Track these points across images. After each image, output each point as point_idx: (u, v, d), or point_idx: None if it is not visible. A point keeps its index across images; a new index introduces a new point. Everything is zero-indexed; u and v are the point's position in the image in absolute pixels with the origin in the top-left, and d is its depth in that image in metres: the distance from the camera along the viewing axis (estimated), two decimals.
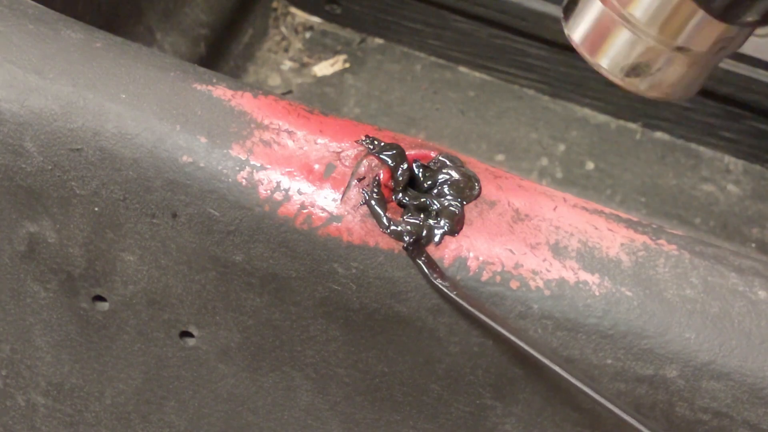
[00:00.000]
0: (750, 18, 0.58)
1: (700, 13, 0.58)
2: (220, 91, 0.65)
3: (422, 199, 0.63)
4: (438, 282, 0.60)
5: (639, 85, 0.64)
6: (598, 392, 0.56)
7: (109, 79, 0.65)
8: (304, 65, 1.41)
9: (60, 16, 0.69)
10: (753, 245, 1.29)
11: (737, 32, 0.60)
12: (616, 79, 0.64)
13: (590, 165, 1.35)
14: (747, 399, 0.59)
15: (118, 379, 0.75)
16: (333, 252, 0.62)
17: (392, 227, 0.61)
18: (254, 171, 0.62)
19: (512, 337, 0.58)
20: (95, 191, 0.65)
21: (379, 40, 1.44)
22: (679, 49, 0.60)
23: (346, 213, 0.61)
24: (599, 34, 0.63)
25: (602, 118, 1.38)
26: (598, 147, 1.36)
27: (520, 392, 0.64)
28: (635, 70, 0.63)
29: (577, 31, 0.64)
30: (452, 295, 0.60)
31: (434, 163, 0.65)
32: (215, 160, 0.62)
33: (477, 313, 0.59)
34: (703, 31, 0.59)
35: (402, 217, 0.62)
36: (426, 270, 0.61)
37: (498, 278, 0.61)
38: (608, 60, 0.63)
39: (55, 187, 0.65)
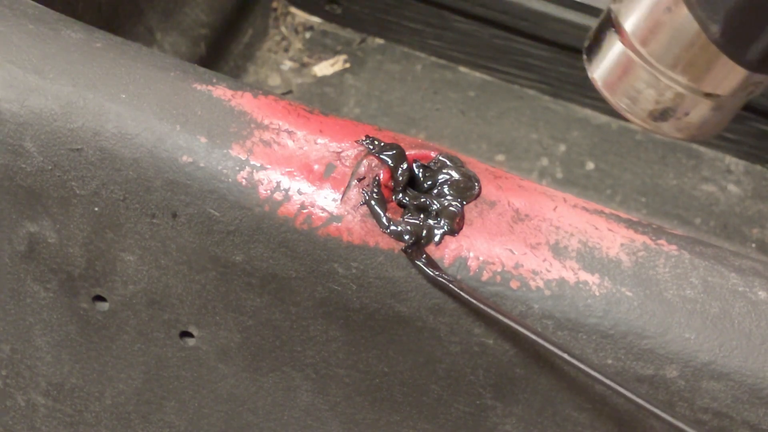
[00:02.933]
0: None
1: (725, 59, 0.57)
2: (220, 91, 0.65)
3: (422, 199, 0.63)
4: (439, 276, 0.60)
5: (663, 128, 0.62)
6: (607, 377, 0.56)
7: (109, 79, 0.65)
8: (304, 65, 1.41)
9: (60, 16, 0.69)
10: (753, 245, 1.29)
11: (765, 77, 0.59)
12: (640, 121, 0.63)
13: (590, 165, 1.35)
14: (747, 399, 0.59)
15: (118, 379, 0.75)
16: (333, 252, 0.62)
17: (392, 227, 0.61)
18: (254, 171, 0.62)
19: (518, 327, 0.58)
20: (95, 191, 0.65)
21: (379, 40, 1.44)
22: (706, 94, 0.60)
23: (346, 213, 0.61)
24: (621, 76, 0.62)
25: (603, 118, 1.38)
26: (598, 147, 1.36)
27: (521, 392, 0.64)
28: (660, 114, 0.62)
29: (599, 72, 0.63)
30: (455, 288, 0.60)
31: (434, 163, 0.65)
32: (215, 160, 0.62)
33: (480, 305, 0.59)
34: (730, 77, 0.58)
35: (402, 217, 0.62)
36: (425, 269, 0.61)
37: (498, 278, 0.61)
38: (631, 102, 0.62)
39: (55, 187, 0.65)
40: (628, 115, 0.63)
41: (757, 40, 0.55)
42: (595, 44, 0.63)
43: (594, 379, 0.57)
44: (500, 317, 0.59)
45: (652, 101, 0.61)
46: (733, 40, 0.56)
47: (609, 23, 0.61)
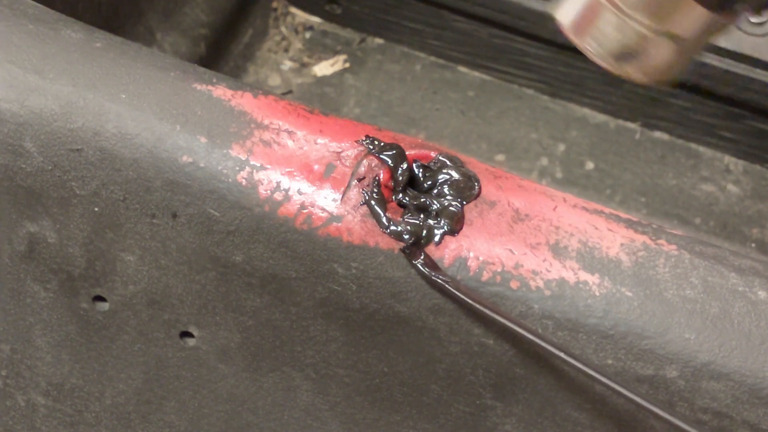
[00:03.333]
0: (740, 7, 0.58)
1: (688, 1, 0.58)
2: (220, 91, 0.65)
3: (422, 199, 0.63)
4: (437, 277, 0.60)
5: (627, 70, 0.64)
6: (607, 377, 0.56)
7: (109, 79, 0.65)
8: (304, 65, 1.41)
9: (60, 16, 0.69)
10: (753, 245, 1.29)
11: (727, 19, 0.60)
12: (604, 62, 0.64)
13: (590, 165, 1.35)
14: (747, 399, 0.59)
15: (118, 379, 0.75)
16: (333, 252, 0.62)
17: (392, 227, 0.61)
18: (254, 171, 0.62)
19: (517, 328, 0.58)
20: (95, 191, 0.65)
21: (379, 40, 1.44)
22: (668, 35, 0.61)
23: (346, 213, 0.61)
24: (587, 18, 0.63)
25: (602, 117, 1.38)
26: (597, 147, 1.36)
27: (521, 392, 0.64)
28: (624, 55, 0.63)
29: (566, 15, 0.65)
30: (451, 288, 0.60)
31: (434, 163, 0.65)
32: (215, 160, 0.62)
33: (478, 305, 0.59)
34: (693, 18, 0.60)
35: (402, 217, 0.62)
36: (423, 269, 0.61)
37: (498, 278, 0.61)
38: (596, 44, 0.63)
39: (55, 187, 0.65)
40: (594, 57, 0.64)
41: None
42: None
43: (593, 379, 0.57)
44: (498, 318, 0.59)
45: (617, 43, 0.62)
46: None
47: None
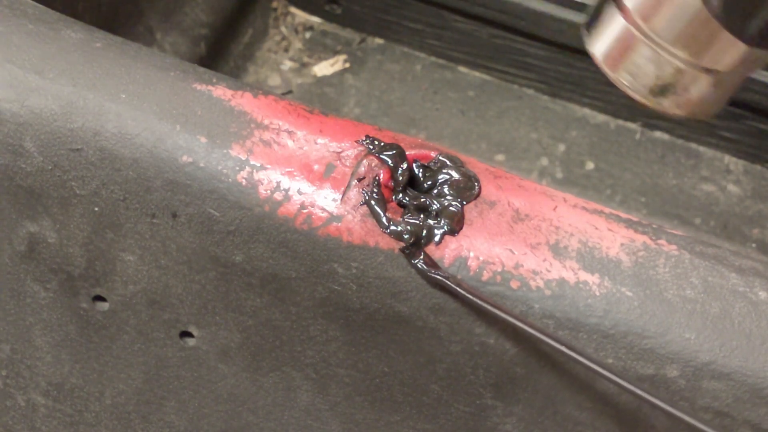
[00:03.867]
0: None
1: (726, 35, 0.57)
2: (220, 91, 0.65)
3: (422, 199, 0.63)
4: (438, 274, 0.60)
5: (664, 104, 0.63)
6: (612, 371, 0.56)
7: (109, 79, 0.65)
8: (304, 65, 1.41)
9: (60, 16, 0.69)
10: (753, 245, 1.29)
11: (765, 53, 0.59)
12: (640, 97, 0.62)
13: (590, 165, 1.35)
14: (748, 399, 0.59)
15: (118, 379, 0.75)
16: (333, 252, 0.62)
17: (392, 227, 0.61)
18: (254, 171, 0.62)
19: (518, 323, 0.58)
20: (95, 191, 0.65)
21: (379, 40, 1.44)
22: (706, 69, 0.60)
23: (346, 213, 0.61)
24: (622, 51, 0.62)
25: (602, 117, 1.38)
26: (598, 147, 1.36)
27: (522, 392, 0.64)
28: (660, 90, 0.62)
29: (599, 48, 0.63)
30: (452, 284, 0.60)
31: (434, 163, 0.65)
32: (215, 160, 0.62)
33: (480, 302, 0.59)
34: (731, 52, 0.59)
35: (402, 217, 0.62)
36: (424, 268, 0.61)
37: (498, 278, 0.61)
38: (632, 78, 0.62)
39: (55, 187, 0.65)
40: (629, 91, 0.63)
41: (757, 14, 0.56)
42: (595, 19, 0.63)
43: (598, 374, 0.57)
44: (500, 314, 0.59)
45: (653, 77, 0.61)
46: (734, 15, 0.56)
47: None
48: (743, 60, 0.59)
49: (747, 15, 0.56)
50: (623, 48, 0.61)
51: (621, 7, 0.60)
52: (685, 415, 0.55)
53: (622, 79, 0.62)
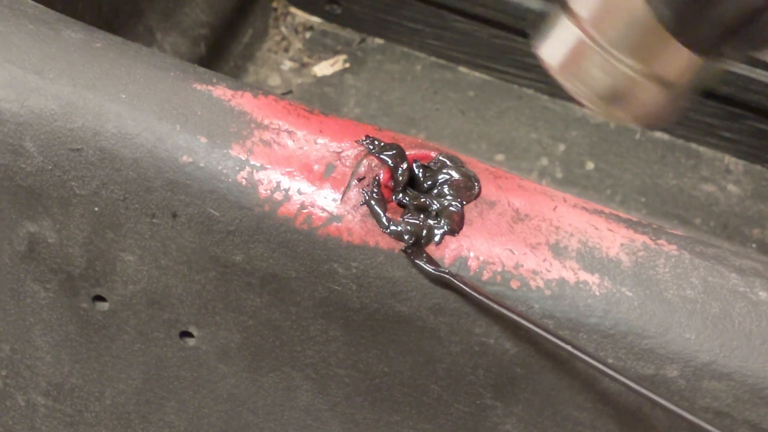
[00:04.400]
0: (728, 50, 0.57)
1: (675, 44, 0.57)
2: (220, 91, 0.65)
3: (422, 199, 0.63)
4: (442, 272, 0.60)
5: (615, 112, 0.62)
6: (615, 370, 0.56)
7: (109, 79, 0.65)
8: (304, 65, 1.41)
9: (60, 16, 0.69)
10: (753, 245, 1.29)
11: (714, 62, 0.59)
12: (591, 104, 0.62)
13: (590, 165, 1.35)
14: (748, 399, 0.59)
15: (118, 379, 0.75)
16: (333, 252, 0.62)
17: (392, 227, 0.61)
18: (254, 171, 0.62)
19: (522, 320, 0.58)
20: (95, 191, 0.65)
21: (379, 40, 1.44)
22: (657, 78, 0.60)
23: (346, 213, 0.61)
24: (574, 60, 0.61)
25: (601, 117, 1.38)
26: (598, 147, 1.36)
27: (521, 392, 0.64)
28: (612, 98, 0.61)
29: (551, 55, 0.62)
30: (457, 282, 0.60)
31: (434, 163, 0.65)
32: (215, 160, 0.62)
33: (484, 298, 0.59)
34: (680, 61, 0.58)
35: (402, 217, 0.62)
36: (426, 267, 0.60)
37: (498, 278, 0.61)
38: (584, 86, 0.62)
39: (55, 187, 0.65)
40: (582, 99, 0.63)
41: (705, 24, 0.56)
42: (547, 26, 0.63)
43: (600, 372, 0.57)
44: (504, 311, 0.59)
45: (604, 85, 0.61)
46: (683, 25, 0.56)
47: (560, 5, 0.61)
48: (693, 69, 0.59)
49: (695, 24, 0.56)
50: (575, 55, 0.61)
51: (573, 15, 0.60)
52: (691, 415, 0.55)
53: (573, 86, 0.62)
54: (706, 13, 0.55)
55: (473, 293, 0.59)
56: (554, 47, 0.62)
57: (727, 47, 0.57)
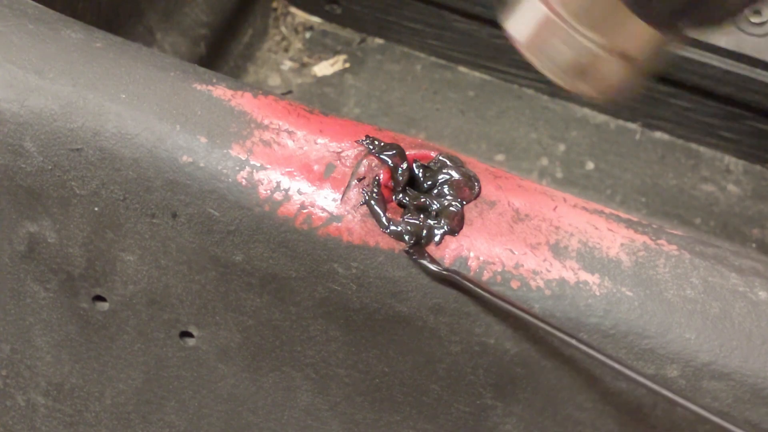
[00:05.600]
0: (684, 24, 0.58)
1: (634, 18, 0.58)
2: (220, 91, 0.65)
3: (422, 199, 0.63)
4: (447, 270, 0.60)
5: (580, 86, 0.64)
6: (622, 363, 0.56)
7: (109, 79, 0.65)
8: (304, 65, 1.41)
9: (60, 16, 0.69)
10: (753, 245, 1.29)
11: (672, 36, 0.60)
12: (557, 78, 0.64)
13: (590, 165, 1.35)
14: (748, 399, 0.59)
15: (118, 379, 0.75)
16: (333, 252, 0.62)
17: (392, 227, 0.61)
18: (254, 171, 0.62)
19: (526, 315, 0.58)
20: (95, 191, 0.65)
21: (379, 40, 1.44)
22: (619, 53, 0.61)
23: (346, 213, 0.61)
24: (540, 34, 0.63)
25: (602, 117, 1.38)
26: (598, 147, 1.36)
27: (521, 392, 0.64)
28: (576, 72, 0.63)
29: (517, 29, 0.64)
30: (460, 279, 0.59)
31: (434, 163, 0.65)
32: (215, 160, 0.62)
33: (489, 295, 0.59)
34: (640, 35, 0.60)
35: (402, 217, 0.62)
36: (431, 266, 0.60)
37: (498, 278, 0.61)
38: (549, 60, 0.63)
39: (55, 187, 0.65)
40: (547, 73, 0.64)
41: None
42: (512, 1, 0.64)
43: (605, 365, 0.57)
44: (510, 307, 0.59)
45: (569, 59, 0.62)
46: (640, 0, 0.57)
47: None
48: (652, 44, 0.60)
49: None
50: (541, 31, 0.63)
51: None
52: (701, 408, 0.55)
53: (539, 60, 0.63)
54: None
55: (479, 290, 0.59)
56: (521, 23, 0.64)
57: (682, 22, 0.58)
